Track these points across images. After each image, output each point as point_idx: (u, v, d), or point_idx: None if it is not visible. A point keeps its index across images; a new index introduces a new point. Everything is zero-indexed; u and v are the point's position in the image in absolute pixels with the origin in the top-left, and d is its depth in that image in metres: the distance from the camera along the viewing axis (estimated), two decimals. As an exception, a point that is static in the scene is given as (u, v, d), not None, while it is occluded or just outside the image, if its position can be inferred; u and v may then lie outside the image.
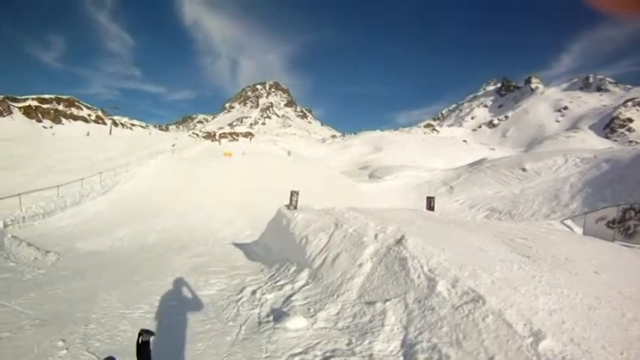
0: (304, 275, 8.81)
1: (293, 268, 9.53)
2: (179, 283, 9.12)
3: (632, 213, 15.75)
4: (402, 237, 8.49)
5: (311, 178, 41.29)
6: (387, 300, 6.28)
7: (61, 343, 5.61)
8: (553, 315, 5.32)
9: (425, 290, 6.13)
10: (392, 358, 4.84)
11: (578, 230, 17.38)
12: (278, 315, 6.76)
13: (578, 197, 34.19)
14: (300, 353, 5.20)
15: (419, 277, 6.57)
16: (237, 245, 15.09)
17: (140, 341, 2.87)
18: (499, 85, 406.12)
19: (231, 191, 32.40)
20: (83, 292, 8.52)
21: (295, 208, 14.30)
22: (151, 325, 6.61)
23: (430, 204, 19.29)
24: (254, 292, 8.45)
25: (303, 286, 8.28)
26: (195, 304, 7.76)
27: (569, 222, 19.76)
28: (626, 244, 14.42)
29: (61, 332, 6.00)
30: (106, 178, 29.88)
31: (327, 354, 5.08)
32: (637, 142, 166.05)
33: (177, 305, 7.66)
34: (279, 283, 8.85)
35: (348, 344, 5.27)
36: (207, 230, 22.02)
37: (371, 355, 4.89)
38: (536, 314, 5.23)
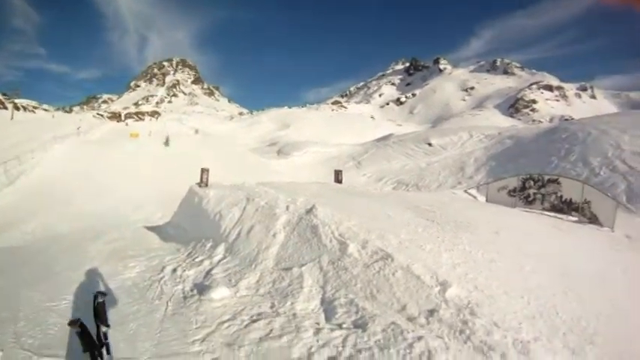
0: (221, 250, 8.96)
1: (209, 244, 9.62)
2: (99, 269, 8.95)
3: (532, 182, 17.22)
4: (313, 207, 8.91)
5: (220, 157, 40.81)
6: (302, 265, 6.67)
7: None
8: (457, 268, 5.93)
9: (337, 253, 6.58)
10: (314, 315, 5.20)
11: (482, 199, 18.56)
12: (201, 288, 6.93)
13: (482, 170, 36.20)
14: (229, 320, 5.43)
15: (330, 241, 7.01)
16: (149, 228, 14.73)
17: (96, 303, 3.00)
18: (407, 64, 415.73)
19: (140, 173, 31.45)
20: (4, 290, 8.07)
21: (206, 185, 14.31)
22: (78, 314, 6.46)
23: (338, 177, 19.79)
24: (174, 270, 8.47)
25: (221, 259, 8.44)
26: (119, 288, 7.69)
27: (472, 191, 21.01)
28: (526, 209, 15.68)
29: None
30: (11, 167, 28.01)
31: (254, 317, 5.36)
32: (540, 121, 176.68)
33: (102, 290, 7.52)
34: (197, 260, 8.91)
35: (271, 307, 5.58)
36: (118, 215, 21.36)
37: (294, 315, 5.22)
38: (441, 267, 5.81)
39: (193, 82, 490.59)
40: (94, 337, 3.02)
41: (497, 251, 7.21)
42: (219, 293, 6.34)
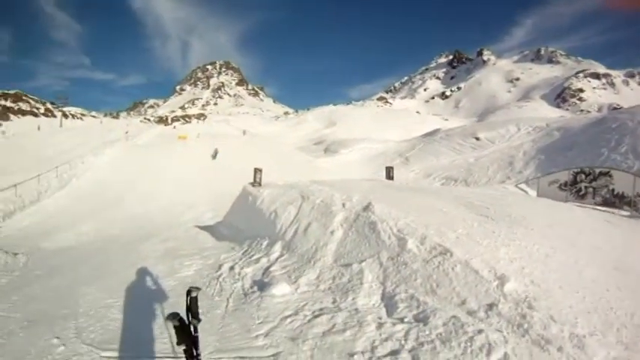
0: (278, 247, 9.11)
1: (265, 243, 9.78)
2: (155, 268, 9.20)
3: (583, 176, 16.82)
4: (369, 204, 8.99)
5: (268, 156, 41.21)
6: (362, 261, 6.79)
7: (56, 341, 5.57)
8: (514, 262, 5.95)
9: (396, 249, 6.68)
10: (376, 310, 5.33)
11: (532, 193, 18.28)
12: (261, 285, 7.12)
13: (531, 164, 35.43)
14: (291, 315, 5.60)
15: (389, 237, 7.10)
16: (201, 228, 14.96)
17: (190, 297, 3.19)
18: (451, 57, 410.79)
19: (189, 174, 32.08)
20: (63, 288, 8.40)
21: (260, 184, 14.49)
22: (141, 310, 6.70)
23: (389, 173, 19.78)
24: (232, 268, 8.67)
25: (279, 257, 8.60)
26: (178, 286, 7.86)
27: (523, 186, 20.71)
28: (578, 204, 15.33)
29: (52, 330, 5.93)
30: (62, 172, 29.18)
31: (316, 312, 5.52)
32: (588, 111, 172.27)
33: (160, 288, 7.77)
34: (254, 257, 9.08)
35: (333, 302, 5.73)
36: (169, 216, 21.88)
37: (356, 310, 5.37)
38: (498, 262, 5.85)
39: (238, 84, 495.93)
40: (190, 331, 3.21)
41: (551, 245, 7.15)
42: (280, 290, 6.52)
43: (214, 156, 30.88)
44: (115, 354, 5.22)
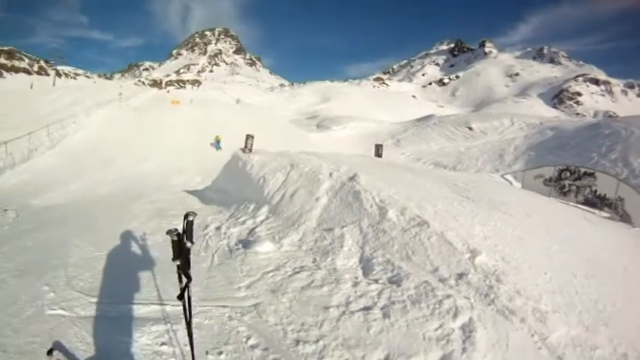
0: (264, 211, 9.37)
1: (252, 206, 10.02)
2: (144, 225, 9.46)
3: (568, 174, 17.25)
4: (355, 174, 9.27)
5: (260, 127, 40.81)
6: (343, 226, 7.08)
7: (46, 288, 5.71)
8: (487, 240, 6.28)
9: (377, 217, 6.98)
10: (353, 271, 5.63)
11: (517, 185, 18.62)
12: (246, 243, 7.39)
13: (521, 159, 35.89)
14: (273, 270, 5.87)
15: (371, 206, 7.40)
16: (190, 192, 15.35)
17: (186, 221, 3.46)
18: (452, 45, 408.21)
19: (180, 139, 32.08)
20: (53, 241, 8.50)
21: (250, 151, 14.70)
22: (130, 262, 6.96)
23: (378, 151, 20.02)
24: (218, 228, 8.93)
25: (265, 220, 8.85)
26: (165, 242, 7.96)
27: (509, 177, 21.10)
28: (560, 200, 15.72)
29: (43, 278, 6.08)
30: (54, 131, 28.88)
31: (297, 269, 5.80)
32: (583, 115, 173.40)
33: (149, 244, 7.90)
34: (240, 219, 9.33)
35: (313, 261, 6.02)
36: (159, 179, 21.92)
37: (335, 269, 5.66)
38: (472, 238, 6.18)
39: (235, 52, 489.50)
40: (186, 248, 3.48)
41: (527, 231, 7.49)
42: (264, 247, 6.80)
43: (218, 145, 31.06)
44: (105, 300, 5.40)
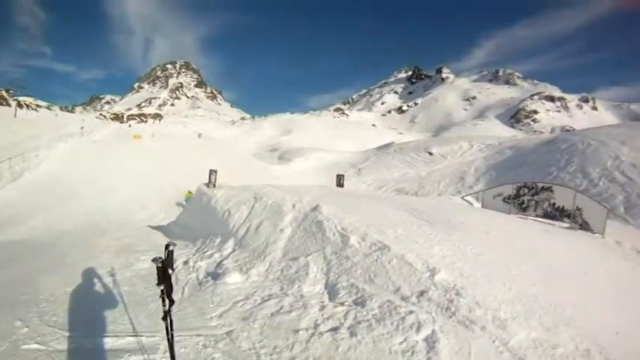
0: (230, 244, 9.50)
1: (218, 240, 10.12)
2: (112, 261, 9.42)
3: (526, 190, 17.93)
4: (317, 205, 9.55)
5: (223, 160, 40.65)
6: (308, 255, 7.34)
7: (19, 323, 5.64)
8: (446, 258, 6.65)
9: (340, 244, 7.27)
10: (319, 296, 5.89)
11: (478, 205, 19.15)
12: (215, 275, 7.55)
13: (482, 179, 36.80)
14: (243, 300, 6.03)
15: (334, 234, 7.69)
16: (155, 227, 15.25)
17: (167, 251, 3.71)
18: (410, 73, 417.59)
19: (143, 174, 31.59)
20: (21, 277, 8.40)
21: (214, 185, 14.86)
22: (101, 297, 6.92)
23: (340, 181, 20.32)
24: (186, 262, 9.00)
25: (231, 252, 8.99)
26: (135, 277, 8.14)
27: (469, 198, 21.65)
28: (520, 215, 16.37)
29: (15, 314, 5.98)
30: (15, 164, 28.35)
31: (265, 298, 6.00)
32: (541, 132, 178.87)
33: (118, 279, 7.92)
34: (207, 253, 9.44)
35: (281, 289, 6.24)
36: (122, 214, 21.91)
37: (302, 295, 5.90)
38: (432, 257, 6.54)
39: (196, 86, 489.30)
40: (169, 274, 3.71)
41: (485, 247, 7.92)
42: (233, 278, 6.98)
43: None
44: (79, 333, 5.42)
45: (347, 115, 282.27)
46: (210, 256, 9.17)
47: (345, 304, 5.54)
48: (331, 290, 6.03)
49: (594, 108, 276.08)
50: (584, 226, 16.01)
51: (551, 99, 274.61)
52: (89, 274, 8.09)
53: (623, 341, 5.66)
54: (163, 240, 12.50)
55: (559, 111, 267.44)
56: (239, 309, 5.80)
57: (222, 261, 8.55)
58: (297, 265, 7.14)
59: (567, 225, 16.29)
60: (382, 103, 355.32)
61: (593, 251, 12.07)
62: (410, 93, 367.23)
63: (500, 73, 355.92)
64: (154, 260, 3.64)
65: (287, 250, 8.01)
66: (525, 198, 18.15)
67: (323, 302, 5.68)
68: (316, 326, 4.99)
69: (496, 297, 5.69)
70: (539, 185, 18.25)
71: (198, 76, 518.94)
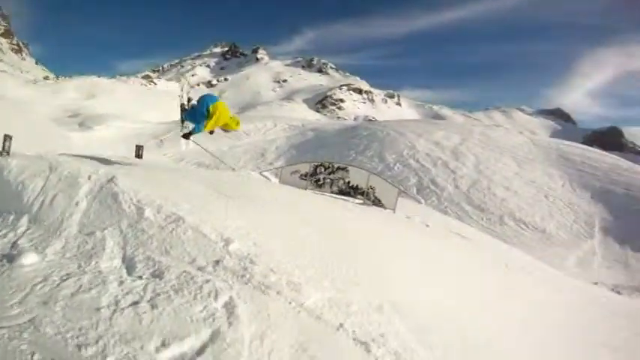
0: (24, 221, 8.83)
1: (12, 217, 9.24)
2: None
3: (323, 169, 19.59)
4: (114, 176, 9.41)
5: (17, 125, 37.16)
6: (104, 229, 7.35)
7: None
8: (240, 229, 7.26)
9: (135, 217, 7.42)
10: (117, 271, 6.01)
11: (275, 180, 20.29)
12: (10, 257, 7.16)
13: (282, 158, 38.77)
14: (41, 282, 5.83)
15: (129, 207, 7.81)
16: None
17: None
18: (226, 48, 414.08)
19: None
20: None
21: (8, 154, 13.65)
22: None
23: (138, 152, 19.99)
24: (-24, 246, 8.50)
25: (26, 230, 8.35)
26: None
27: (266, 173, 22.76)
28: (316, 192, 17.98)
29: None
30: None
31: (64, 277, 5.92)
32: (345, 119, 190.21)
33: None
34: (1, 233, 8.93)
35: (78, 267, 6.20)
36: None
37: (100, 271, 5.98)
38: (226, 229, 7.09)
39: (2, 35, 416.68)
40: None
41: (280, 218, 8.75)
42: (29, 259, 6.68)
43: None
44: None
45: (155, 83, 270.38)
46: (5, 235, 8.46)
47: (144, 277, 5.76)
48: (129, 264, 6.20)
49: (398, 104, 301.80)
50: (377, 203, 18.06)
51: (359, 91, 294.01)
52: None
53: (412, 294, 6.87)
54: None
55: (365, 102, 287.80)
56: (38, 292, 5.60)
57: (16, 240, 8.02)
58: (94, 239, 7.12)
59: (360, 201, 18.21)
60: (193, 75, 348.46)
61: (383, 222, 13.80)
62: (222, 68, 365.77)
63: (315, 61, 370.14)
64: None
65: (83, 224, 7.84)
66: (321, 176, 19.61)
67: (121, 277, 5.83)
68: (117, 302, 5.15)
69: (289, 263, 6.41)
70: (336, 165, 19.93)
71: (7, 24, 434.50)
